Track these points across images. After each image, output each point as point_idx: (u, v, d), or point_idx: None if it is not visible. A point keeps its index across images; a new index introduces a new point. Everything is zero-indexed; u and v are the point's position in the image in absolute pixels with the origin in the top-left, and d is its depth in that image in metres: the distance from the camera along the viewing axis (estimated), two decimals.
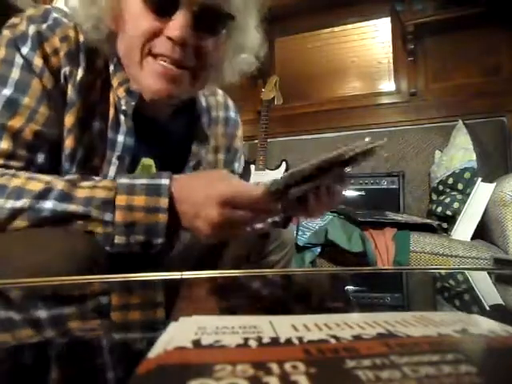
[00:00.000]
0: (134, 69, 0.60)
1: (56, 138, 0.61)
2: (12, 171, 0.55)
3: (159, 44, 0.57)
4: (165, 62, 0.57)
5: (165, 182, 0.53)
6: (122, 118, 0.65)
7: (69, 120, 0.61)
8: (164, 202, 0.52)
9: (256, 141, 2.22)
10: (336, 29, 2.49)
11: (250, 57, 0.72)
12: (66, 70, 0.60)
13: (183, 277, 0.44)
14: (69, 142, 0.61)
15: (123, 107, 0.64)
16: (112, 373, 0.18)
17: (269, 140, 2.19)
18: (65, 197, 0.51)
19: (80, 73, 0.61)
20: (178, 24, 0.55)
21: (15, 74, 0.58)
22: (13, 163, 0.57)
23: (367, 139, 0.49)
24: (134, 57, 0.58)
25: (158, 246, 0.53)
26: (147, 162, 0.69)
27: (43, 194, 0.51)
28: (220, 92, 0.85)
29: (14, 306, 0.34)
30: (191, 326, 0.17)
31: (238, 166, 0.90)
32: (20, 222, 0.50)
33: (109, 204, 0.52)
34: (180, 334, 0.16)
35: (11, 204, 0.51)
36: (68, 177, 0.54)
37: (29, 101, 0.58)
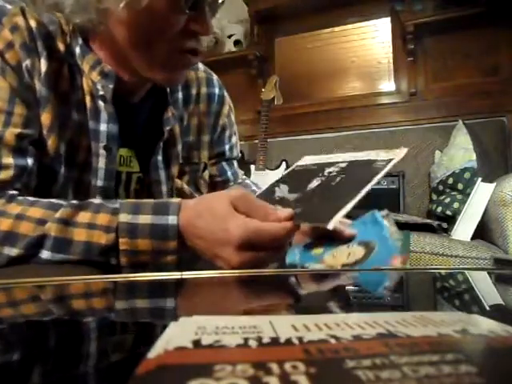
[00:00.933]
0: (154, 60, 0.56)
1: (37, 138, 0.57)
2: None
3: (189, 40, 0.56)
4: (192, 55, 0.57)
5: (172, 221, 0.47)
6: (102, 104, 0.60)
7: (45, 118, 0.57)
8: (173, 244, 0.47)
9: (256, 141, 2.22)
10: (336, 29, 2.49)
11: None
12: (27, 63, 0.55)
13: (183, 277, 0.44)
14: (51, 142, 0.58)
15: (100, 92, 0.59)
16: (112, 373, 0.18)
17: (269, 140, 2.19)
18: (61, 245, 0.48)
19: (43, 63, 0.56)
20: (206, 20, 0.54)
21: None
22: (2, 176, 0.53)
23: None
24: (159, 50, 0.55)
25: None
26: (126, 152, 0.66)
27: (38, 243, 0.48)
28: (201, 67, 0.78)
29: (14, 306, 0.34)
30: (191, 326, 0.17)
31: (231, 148, 0.82)
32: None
33: (111, 251, 0.48)
34: (180, 334, 0.16)
35: (7, 251, 0.48)
36: (60, 212, 0.49)
37: (0, 104, 0.53)
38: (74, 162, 0.60)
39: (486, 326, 0.17)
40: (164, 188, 0.69)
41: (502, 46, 2.08)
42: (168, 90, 0.69)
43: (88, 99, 0.60)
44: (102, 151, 0.61)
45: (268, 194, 0.56)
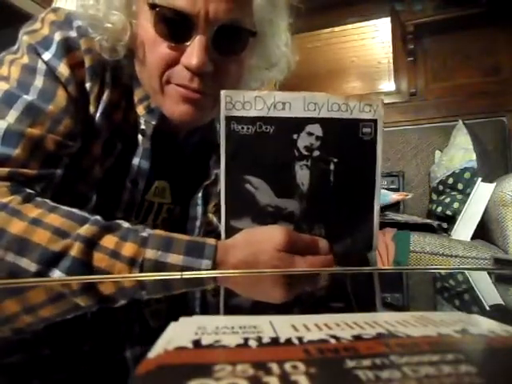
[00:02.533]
0: (156, 95, 0.57)
1: (73, 154, 0.55)
2: (14, 199, 0.45)
3: (176, 74, 0.53)
4: (184, 89, 0.54)
5: (206, 266, 0.44)
6: (140, 138, 0.60)
7: (96, 148, 0.57)
8: None
9: None
10: (336, 29, 2.49)
11: (277, 71, 0.66)
12: (88, 85, 0.56)
13: (183, 277, 0.44)
14: (95, 171, 0.57)
15: (142, 126, 0.60)
16: (112, 373, 0.18)
17: None
18: (78, 270, 0.43)
19: (107, 94, 0.57)
20: (194, 52, 0.51)
21: (39, 81, 0.53)
22: (24, 171, 0.50)
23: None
24: (155, 84, 0.55)
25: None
26: (161, 184, 0.65)
27: (53, 260, 0.43)
28: None
29: (14, 306, 0.34)
30: (191, 326, 0.17)
31: None
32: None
33: None
34: (180, 333, 0.16)
35: (12, 259, 0.43)
36: (85, 229, 0.44)
37: (52, 109, 0.53)
38: (103, 190, 0.58)
39: (486, 325, 0.17)
40: (197, 223, 0.69)
41: (502, 46, 2.08)
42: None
43: (132, 131, 0.60)
44: (127, 184, 0.61)
45: (248, 199, 0.46)
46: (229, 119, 0.44)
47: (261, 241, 0.45)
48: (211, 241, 0.46)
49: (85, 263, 0.43)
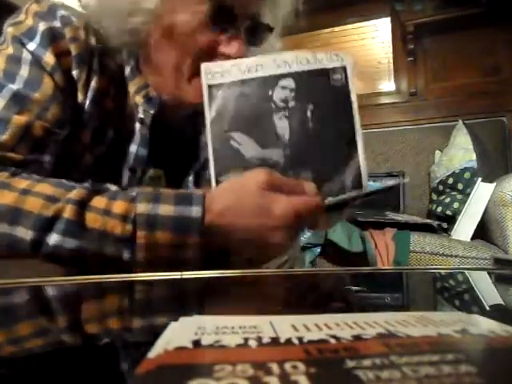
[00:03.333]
0: (181, 81, 0.57)
1: (62, 141, 0.56)
2: (1, 175, 0.46)
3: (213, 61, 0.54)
4: None
5: (196, 213, 0.44)
6: (138, 126, 0.61)
7: (85, 136, 0.58)
8: (194, 240, 0.44)
9: None
10: (336, 29, 2.49)
11: None
12: (75, 72, 0.57)
13: (183, 277, 0.44)
14: (86, 159, 0.58)
15: (140, 115, 0.61)
16: (112, 373, 0.18)
17: None
18: (74, 230, 0.43)
19: (95, 80, 0.58)
20: (236, 42, 0.54)
21: (24, 70, 0.54)
22: (12, 155, 0.50)
23: (393, 181, 0.49)
24: (185, 70, 0.56)
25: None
26: (156, 173, 0.65)
27: (48, 224, 0.43)
28: None
29: (14, 306, 0.34)
30: (191, 326, 0.17)
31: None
32: (15, 254, 0.43)
33: (126, 242, 0.44)
34: (180, 334, 0.16)
35: (9, 230, 0.43)
36: (75, 193, 0.45)
37: (39, 97, 0.53)
38: (97, 178, 0.57)
39: (486, 325, 0.17)
40: None
41: (502, 46, 2.08)
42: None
43: (128, 119, 0.61)
44: (126, 171, 0.61)
45: (233, 154, 0.48)
46: (210, 87, 0.49)
47: (244, 184, 0.45)
48: (198, 191, 0.47)
49: (78, 224, 0.43)
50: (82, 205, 0.44)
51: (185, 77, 0.56)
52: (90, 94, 0.57)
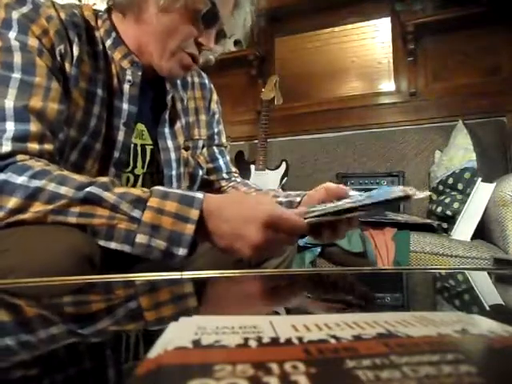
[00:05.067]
0: (164, 55, 0.70)
1: (66, 113, 0.63)
2: (50, 167, 0.55)
3: (192, 46, 0.71)
4: (191, 58, 0.71)
5: (199, 196, 0.54)
6: (126, 86, 0.72)
7: (76, 94, 0.65)
8: (195, 213, 0.52)
9: (256, 141, 2.21)
10: (336, 29, 2.49)
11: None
12: (60, 48, 0.63)
13: (183, 277, 0.44)
14: (79, 116, 0.65)
15: (128, 77, 0.72)
16: (112, 373, 0.18)
17: (269, 140, 2.19)
18: (104, 186, 0.53)
19: (75, 48, 0.65)
20: (211, 38, 0.72)
21: (17, 57, 0.59)
22: (47, 146, 0.59)
23: (401, 187, 0.50)
24: (169, 48, 0.69)
25: (178, 257, 0.52)
26: (140, 127, 0.77)
27: (86, 185, 0.53)
28: None
29: (13, 307, 0.34)
30: (191, 326, 0.17)
31: (218, 132, 0.96)
32: (52, 207, 0.51)
33: (141, 202, 0.53)
34: (180, 334, 0.16)
35: (54, 188, 0.52)
36: (100, 183, 0.55)
37: (39, 80, 0.59)
38: (96, 135, 0.68)
39: (486, 325, 0.17)
40: (172, 156, 0.80)
41: (502, 46, 2.08)
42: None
43: (115, 81, 0.72)
44: (121, 126, 0.71)
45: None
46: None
47: (249, 214, 0.53)
48: (199, 193, 0.56)
49: (108, 186, 0.54)
50: (112, 181, 0.56)
51: (167, 52, 0.69)
52: (74, 62, 0.65)
